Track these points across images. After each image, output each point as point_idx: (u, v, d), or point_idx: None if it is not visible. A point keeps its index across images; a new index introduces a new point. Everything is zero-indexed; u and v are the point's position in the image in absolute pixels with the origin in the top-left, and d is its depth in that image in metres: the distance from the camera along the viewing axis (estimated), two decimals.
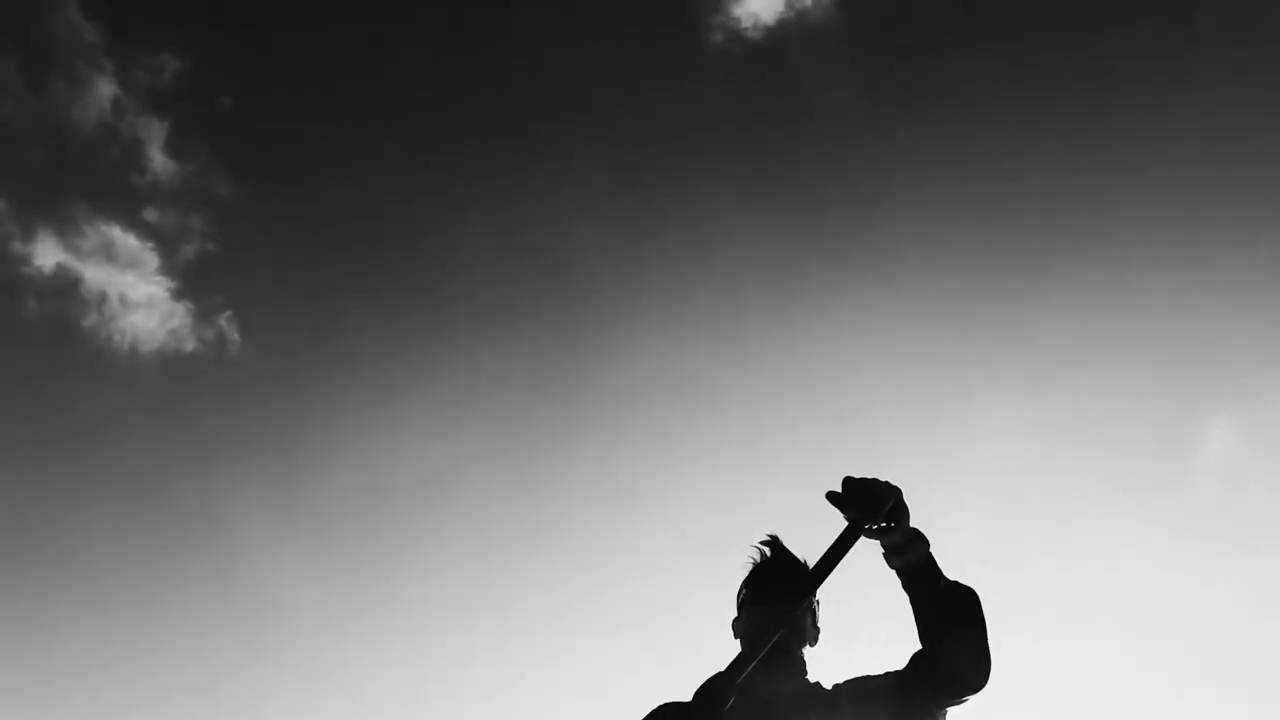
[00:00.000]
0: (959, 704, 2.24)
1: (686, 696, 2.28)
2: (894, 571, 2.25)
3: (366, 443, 11.33)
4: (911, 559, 2.20)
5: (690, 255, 11.14)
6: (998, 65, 10.70)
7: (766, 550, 2.49)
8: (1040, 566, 10.23)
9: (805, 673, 2.41)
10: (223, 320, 10.96)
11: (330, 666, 10.81)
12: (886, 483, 2.16)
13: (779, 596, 2.35)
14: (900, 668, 2.30)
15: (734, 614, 2.52)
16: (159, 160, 10.78)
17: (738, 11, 10.79)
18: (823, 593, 2.46)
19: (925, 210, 10.72)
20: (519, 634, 10.86)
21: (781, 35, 10.83)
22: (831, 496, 2.18)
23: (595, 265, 11.24)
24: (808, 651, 2.44)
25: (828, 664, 2.46)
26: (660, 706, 2.42)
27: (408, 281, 11.52)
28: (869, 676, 2.34)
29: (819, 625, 2.48)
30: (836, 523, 2.22)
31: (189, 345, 10.95)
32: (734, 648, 2.48)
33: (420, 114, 11.35)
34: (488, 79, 11.24)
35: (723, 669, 2.20)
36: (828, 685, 2.39)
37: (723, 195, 11.10)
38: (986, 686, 2.21)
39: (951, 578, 2.24)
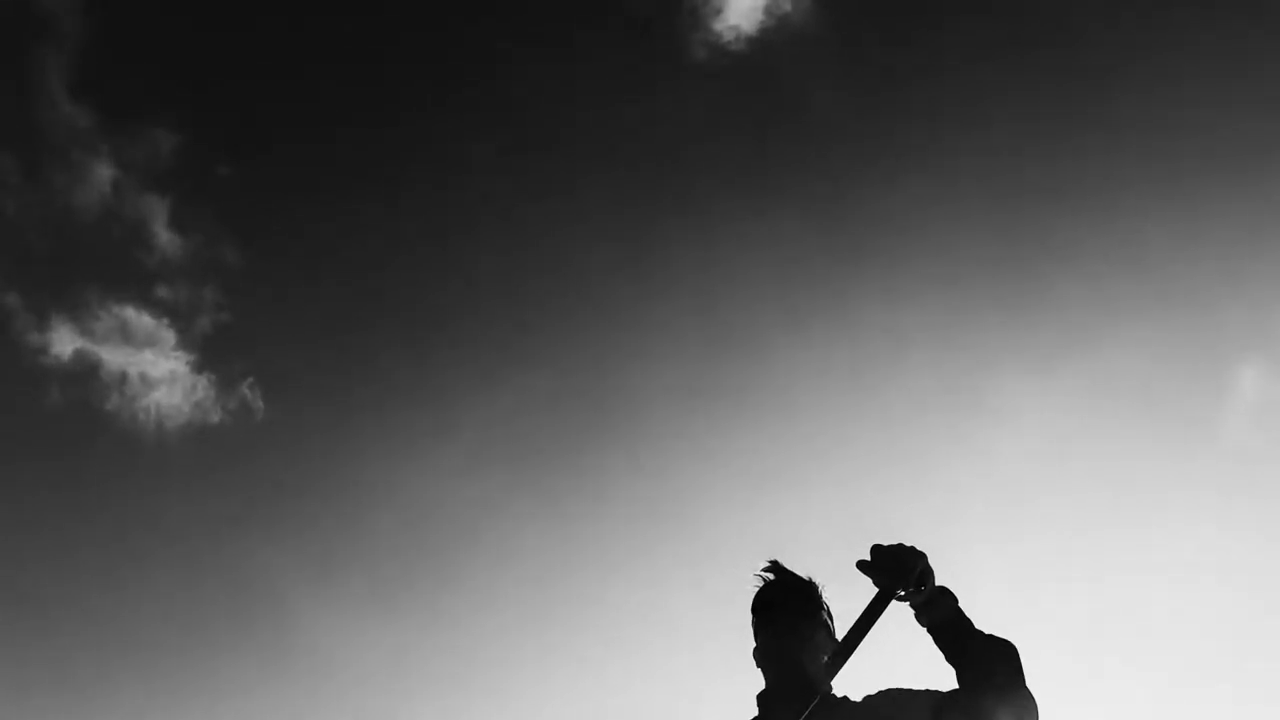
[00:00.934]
0: None
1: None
2: (925, 630, 2.32)
3: (402, 488, 11.40)
4: (939, 615, 2.29)
5: (697, 266, 11.17)
6: (993, 43, 10.68)
7: (769, 575, 2.52)
8: (1078, 540, 10.13)
9: (830, 689, 2.37)
10: (245, 388, 11.08)
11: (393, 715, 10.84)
12: (912, 548, 2.29)
13: (785, 615, 2.43)
14: (942, 690, 2.27)
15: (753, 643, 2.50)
16: (164, 236, 10.93)
17: (718, 26, 10.80)
18: (833, 606, 2.50)
19: (927, 200, 10.70)
20: (570, 660, 10.87)
21: (765, 43, 10.85)
22: (861, 565, 2.32)
23: (605, 285, 11.29)
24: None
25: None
26: None
27: (423, 323, 11.61)
28: (909, 690, 2.31)
29: (836, 639, 2.44)
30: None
31: (215, 416, 11.06)
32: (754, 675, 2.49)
33: (417, 157, 11.44)
34: (483, 118, 11.33)
35: None
36: (856, 698, 2.36)
37: (725, 205, 11.14)
38: None
39: (985, 630, 2.27)
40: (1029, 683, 2.20)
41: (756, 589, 2.52)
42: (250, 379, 11.10)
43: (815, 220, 10.99)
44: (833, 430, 10.71)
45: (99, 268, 10.97)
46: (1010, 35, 10.54)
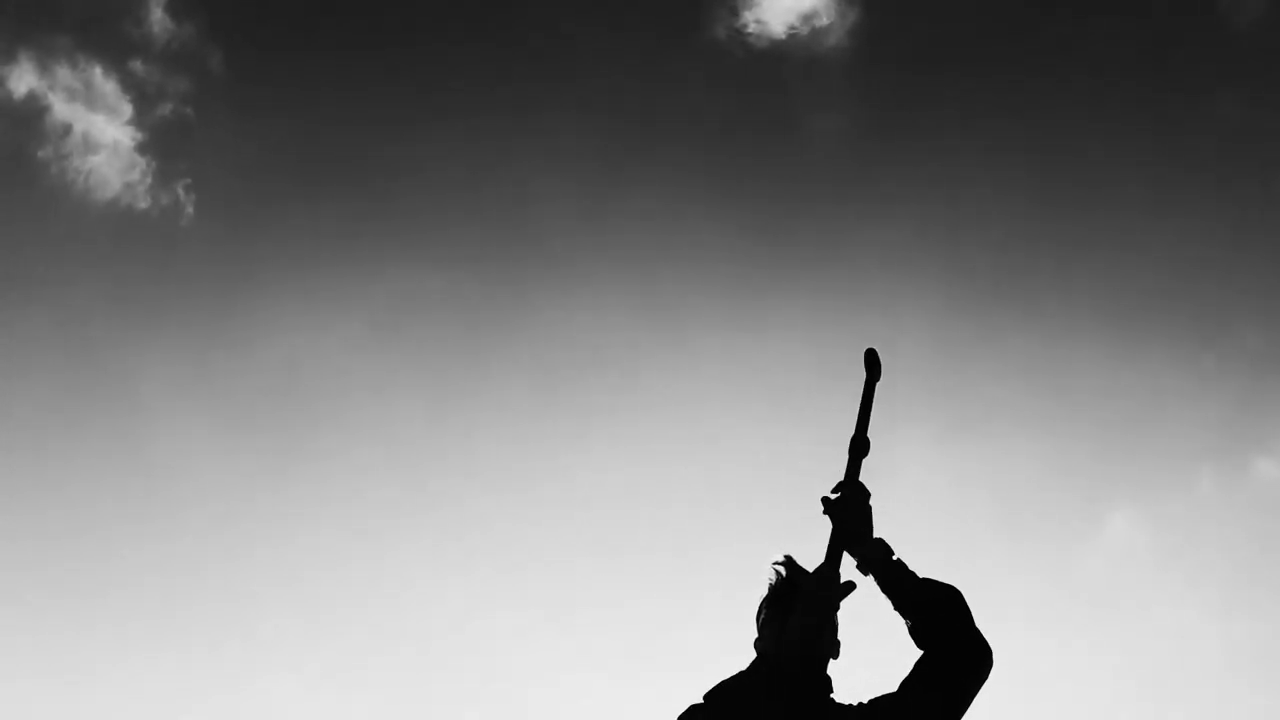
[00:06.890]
0: (980, 678, 2.30)
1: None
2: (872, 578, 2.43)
3: (292, 341, 11.25)
4: (874, 560, 2.41)
5: (647, 235, 11.28)
6: (993, 132, 11.05)
7: (782, 570, 2.54)
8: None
9: (830, 690, 2.40)
10: (180, 188, 10.78)
11: (218, 538, 10.80)
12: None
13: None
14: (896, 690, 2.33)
15: (756, 635, 2.52)
16: (158, 15, 10.55)
17: (747, 14, 10.87)
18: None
19: (885, 248, 11.02)
20: (406, 543, 10.95)
21: (785, 51, 10.96)
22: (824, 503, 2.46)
23: (554, 220, 11.31)
24: (831, 665, 2.42)
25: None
26: (691, 707, 2.42)
27: (368, 192, 11.43)
28: (889, 694, 2.36)
29: (839, 639, 2.45)
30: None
31: (142, 203, 10.75)
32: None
33: (412, 44, 11.28)
34: (479, 24, 11.26)
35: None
36: (851, 703, 2.37)
37: (690, 185, 11.22)
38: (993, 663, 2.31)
39: (924, 576, 2.38)
40: (978, 626, 2.31)
41: (772, 583, 2.53)
42: (188, 180, 10.83)
43: (770, 230, 11.22)
44: (725, 437, 10.96)
45: (82, 20, 10.54)
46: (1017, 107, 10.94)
